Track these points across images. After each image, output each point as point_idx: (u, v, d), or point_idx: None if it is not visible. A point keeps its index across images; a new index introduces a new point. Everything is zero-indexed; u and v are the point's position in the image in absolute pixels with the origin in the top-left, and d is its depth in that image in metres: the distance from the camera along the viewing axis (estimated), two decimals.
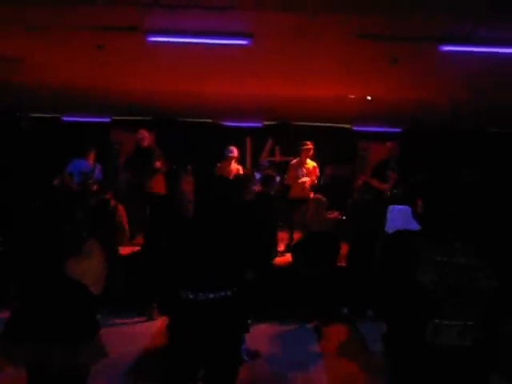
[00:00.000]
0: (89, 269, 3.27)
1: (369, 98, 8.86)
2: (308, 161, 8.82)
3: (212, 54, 6.46)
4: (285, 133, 11.23)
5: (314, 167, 8.86)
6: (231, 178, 8.30)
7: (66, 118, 11.75)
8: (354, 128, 11.74)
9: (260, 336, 5.89)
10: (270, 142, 9.93)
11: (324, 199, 6.78)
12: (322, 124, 11.51)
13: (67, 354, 3.13)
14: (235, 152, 8.98)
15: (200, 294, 3.19)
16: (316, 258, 6.39)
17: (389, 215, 4.75)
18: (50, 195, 4.97)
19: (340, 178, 10.46)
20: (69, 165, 8.29)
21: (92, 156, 8.50)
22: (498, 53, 5.93)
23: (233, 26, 5.55)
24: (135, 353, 5.46)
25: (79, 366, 3.24)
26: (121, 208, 6.35)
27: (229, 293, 3.23)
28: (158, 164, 8.29)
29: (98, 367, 3.43)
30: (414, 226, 4.57)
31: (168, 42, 5.88)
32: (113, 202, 6.27)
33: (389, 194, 7.40)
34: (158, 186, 8.35)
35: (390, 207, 4.79)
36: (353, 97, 8.89)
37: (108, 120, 11.82)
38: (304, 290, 6.49)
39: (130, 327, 6.27)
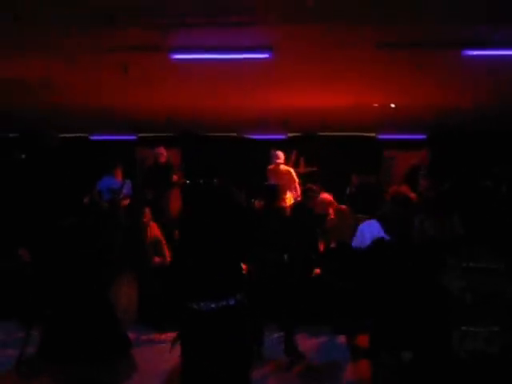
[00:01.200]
0: (124, 295, 3.32)
1: (393, 105, 8.82)
2: (281, 166, 9.00)
3: (234, 69, 6.53)
4: (309, 144, 11.22)
5: (288, 171, 9.02)
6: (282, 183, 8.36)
7: (93, 137, 11.99)
8: (379, 136, 11.66)
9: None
10: (294, 153, 9.92)
11: (347, 209, 6.74)
12: (347, 133, 11.47)
13: (101, 373, 3.17)
14: (281, 156, 9.14)
15: (202, 304, 3.18)
16: (338, 268, 6.34)
17: (362, 230, 5.44)
18: (80, 214, 5.05)
19: (366, 187, 10.37)
20: (97, 183, 8.44)
21: (119, 172, 8.68)
22: None
23: (254, 41, 5.61)
24: (167, 369, 5.43)
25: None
26: (153, 225, 6.43)
27: (231, 302, 3.21)
28: (174, 178, 8.58)
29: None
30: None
31: (191, 59, 5.97)
32: (146, 219, 6.32)
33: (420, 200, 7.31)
34: (175, 201, 8.47)
35: (373, 222, 5.41)
36: (376, 105, 8.85)
37: (134, 138, 12.01)
38: (330, 300, 6.44)
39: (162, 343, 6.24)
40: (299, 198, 8.59)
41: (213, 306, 3.17)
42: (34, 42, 5.74)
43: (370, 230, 5.40)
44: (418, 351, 3.82)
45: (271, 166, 9.16)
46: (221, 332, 3.19)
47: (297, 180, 9.13)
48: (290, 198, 8.83)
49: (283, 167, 9.10)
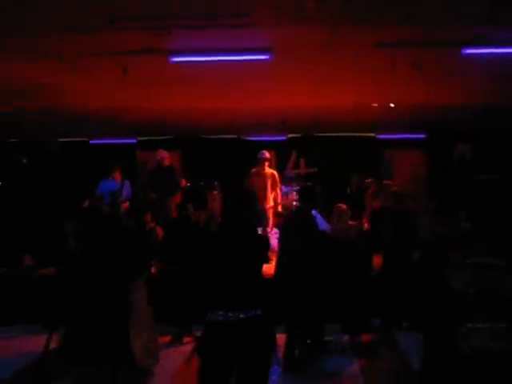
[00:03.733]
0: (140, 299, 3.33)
1: (392, 105, 8.83)
2: (267, 169, 8.85)
3: (234, 70, 6.54)
4: (309, 145, 11.24)
5: (272, 174, 8.87)
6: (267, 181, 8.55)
7: (93, 142, 12.01)
8: (379, 136, 11.68)
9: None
10: (294, 154, 9.93)
11: (345, 207, 6.75)
12: (346, 134, 11.49)
13: (118, 375, 3.19)
14: (267, 154, 8.97)
15: (230, 315, 3.17)
16: (335, 265, 6.35)
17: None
18: (85, 219, 5.05)
19: (366, 187, 10.39)
20: (98, 187, 8.45)
21: (118, 174, 8.68)
22: None
23: (253, 42, 5.63)
24: (166, 374, 5.40)
25: None
26: (159, 229, 6.42)
27: (258, 312, 3.22)
28: (183, 182, 8.59)
29: None
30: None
31: (190, 61, 5.98)
32: (151, 224, 6.30)
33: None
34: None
35: (314, 212, 5.88)
36: (376, 105, 8.87)
37: (134, 141, 12.03)
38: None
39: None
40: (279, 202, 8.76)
41: (242, 316, 3.16)
42: (32, 48, 5.75)
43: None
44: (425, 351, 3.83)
45: (254, 170, 8.95)
46: (250, 342, 3.19)
47: (279, 184, 9.04)
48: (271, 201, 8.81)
49: (268, 170, 8.94)
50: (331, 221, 6.76)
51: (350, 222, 7.08)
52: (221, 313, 3.18)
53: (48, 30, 5.27)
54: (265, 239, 3.49)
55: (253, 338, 3.21)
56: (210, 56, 5.89)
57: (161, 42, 5.54)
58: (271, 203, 8.80)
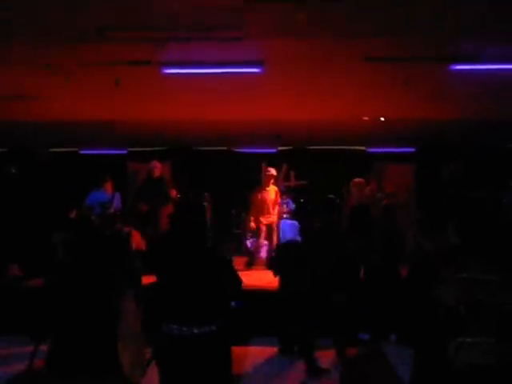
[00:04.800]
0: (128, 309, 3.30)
1: (382, 119, 8.89)
2: (271, 186, 9.07)
3: (225, 83, 6.57)
4: (299, 157, 11.27)
5: (276, 191, 9.09)
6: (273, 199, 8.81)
7: (83, 152, 11.97)
8: (369, 150, 11.74)
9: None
10: (284, 167, 9.94)
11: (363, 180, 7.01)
12: (337, 147, 11.54)
13: None
14: (273, 171, 9.11)
15: (184, 329, 3.15)
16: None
17: (281, 228, 6.24)
18: (73, 229, 5.00)
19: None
20: (88, 197, 8.40)
21: (109, 185, 8.63)
22: (507, 69, 5.97)
23: (244, 55, 5.66)
24: None
25: None
26: (136, 234, 6.34)
27: (213, 327, 3.19)
28: (173, 193, 8.50)
29: None
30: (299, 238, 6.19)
31: (182, 73, 6.00)
32: (127, 229, 6.25)
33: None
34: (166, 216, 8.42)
35: (282, 221, 6.42)
36: (366, 119, 8.93)
37: (124, 152, 12.00)
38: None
39: None
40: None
41: (195, 331, 3.14)
42: (24, 58, 5.74)
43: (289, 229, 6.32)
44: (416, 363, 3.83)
45: (260, 186, 9.16)
46: (201, 358, 3.16)
47: (279, 199, 9.16)
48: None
49: (272, 186, 9.13)
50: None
51: None
52: (175, 326, 3.17)
53: (39, 41, 5.27)
54: (218, 253, 3.41)
55: (207, 354, 3.18)
56: (201, 68, 5.92)
57: (153, 54, 5.56)
58: (274, 218, 8.94)
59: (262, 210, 8.94)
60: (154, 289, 3.43)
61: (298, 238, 6.46)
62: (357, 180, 7.92)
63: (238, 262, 8.83)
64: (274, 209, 8.98)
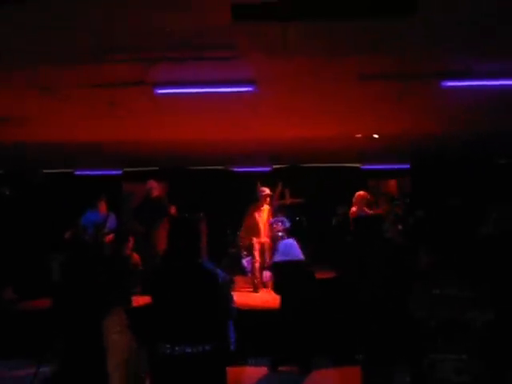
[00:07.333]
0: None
1: (375, 136, 8.93)
2: (265, 205, 9.15)
3: (218, 102, 6.59)
4: (294, 175, 11.30)
5: (269, 209, 9.18)
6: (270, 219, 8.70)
7: (78, 172, 11.97)
8: (363, 167, 11.79)
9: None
10: (279, 185, 9.97)
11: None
12: (330, 164, 11.58)
13: None
14: (268, 190, 9.18)
15: (176, 348, 3.12)
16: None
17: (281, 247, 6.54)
18: (69, 251, 4.99)
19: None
20: (82, 218, 8.38)
21: (103, 205, 8.62)
22: (497, 85, 6.02)
23: (237, 75, 5.68)
24: None
25: None
26: (136, 256, 6.34)
27: (207, 347, 3.16)
28: (172, 210, 8.54)
29: None
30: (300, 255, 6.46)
31: (175, 93, 6.03)
32: (128, 251, 6.22)
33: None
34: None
35: (282, 242, 6.68)
36: (359, 136, 8.97)
37: (119, 172, 12.01)
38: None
39: None
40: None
41: (188, 350, 3.11)
42: (17, 81, 5.76)
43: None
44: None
45: (254, 205, 9.21)
46: (194, 377, 3.14)
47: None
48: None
49: (266, 206, 9.20)
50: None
51: None
52: (168, 345, 3.14)
53: (34, 62, 5.29)
54: (212, 274, 3.37)
55: (200, 374, 3.15)
56: (194, 88, 5.94)
57: (146, 74, 5.58)
58: (265, 239, 9.00)
59: (255, 231, 9.00)
60: (149, 308, 3.41)
61: (301, 257, 6.44)
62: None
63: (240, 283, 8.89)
64: (266, 229, 8.97)
